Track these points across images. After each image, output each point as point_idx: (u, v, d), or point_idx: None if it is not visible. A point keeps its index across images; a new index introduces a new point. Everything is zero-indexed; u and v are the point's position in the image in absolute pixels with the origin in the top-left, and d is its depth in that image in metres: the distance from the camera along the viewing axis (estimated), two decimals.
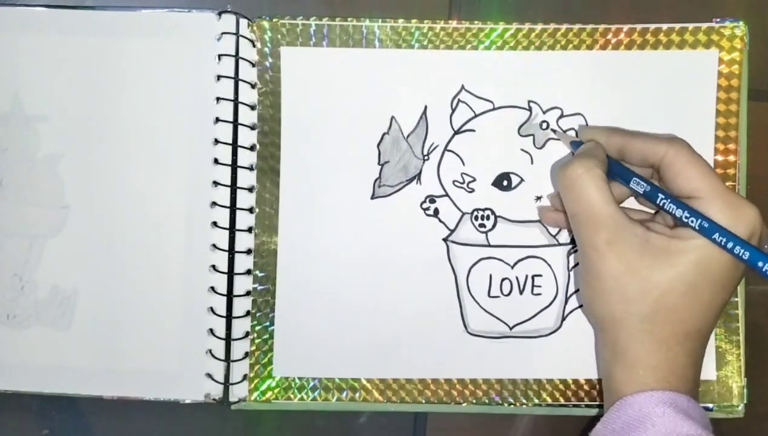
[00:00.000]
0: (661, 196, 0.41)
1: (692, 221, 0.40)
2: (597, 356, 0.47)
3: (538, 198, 0.48)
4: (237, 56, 0.48)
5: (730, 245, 0.39)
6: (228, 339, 0.48)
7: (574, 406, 0.48)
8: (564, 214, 0.44)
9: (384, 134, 0.48)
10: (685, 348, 0.40)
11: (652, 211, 0.45)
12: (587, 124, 0.48)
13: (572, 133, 0.48)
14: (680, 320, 0.40)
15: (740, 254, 0.39)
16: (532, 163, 0.48)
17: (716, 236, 0.39)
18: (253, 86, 0.48)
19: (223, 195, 0.48)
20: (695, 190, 0.40)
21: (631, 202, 0.46)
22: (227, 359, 0.48)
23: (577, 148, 0.45)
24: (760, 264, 0.39)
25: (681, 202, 0.41)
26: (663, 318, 0.40)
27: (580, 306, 0.48)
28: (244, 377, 0.48)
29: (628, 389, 0.40)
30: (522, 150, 0.48)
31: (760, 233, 0.40)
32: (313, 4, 0.49)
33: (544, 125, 0.48)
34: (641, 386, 0.40)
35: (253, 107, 0.48)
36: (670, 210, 0.41)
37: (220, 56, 0.48)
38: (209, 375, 0.48)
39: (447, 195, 0.48)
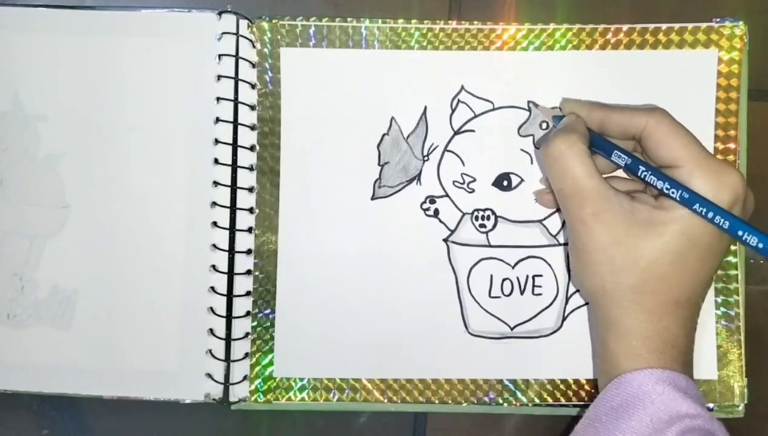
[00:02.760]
0: (642, 168, 0.41)
1: (673, 193, 0.40)
2: (590, 331, 0.47)
3: None
4: (237, 56, 0.48)
5: (710, 214, 0.39)
6: (228, 339, 0.48)
7: (575, 406, 0.48)
8: None
9: (384, 135, 0.48)
10: (676, 317, 0.41)
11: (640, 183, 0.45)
12: (564, 96, 0.47)
13: (557, 110, 0.48)
14: (669, 289, 0.40)
15: (721, 224, 0.39)
16: (532, 163, 0.48)
17: (696, 206, 0.39)
18: (253, 87, 0.48)
19: (223, 195, 0.48)
20: (676, 160, 0.40)
21: (620, 174, 0.46)
22: (227, 359, 0.48)
23: (558, 121, 0.45)
24: (740, 233, 0.39)
25: (662, 173, 0.41)
26: (652, 288, 0.40)
27: (581, 306, 0.48)
28: (244, 377, 0.48)
29: (624, 360, 0.40)
30: (522, 150, 0.48)
31: (744, 198, 0.40)
32: (313, 5, 0.49)
33: (544, 125, 0.48)
34: (636, 358, 0.40)
35: (253, 108, 0.48)
36: (652, 182, 0.41)
37: (220, 56, 0.48)
38: (209, 375, 0.48)
39: (447, 195, 0.48)
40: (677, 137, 0.41)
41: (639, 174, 0.41)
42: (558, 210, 0.48)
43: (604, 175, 0.42)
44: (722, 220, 0.39)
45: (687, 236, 0.40)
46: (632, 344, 0.40)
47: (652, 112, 0.42)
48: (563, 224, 0.48)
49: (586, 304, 0.48)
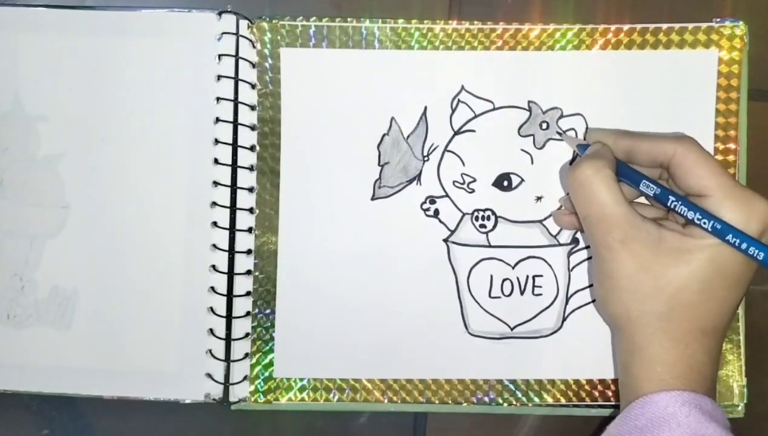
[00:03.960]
0: (672, 198, 0.41)
1: (704, 223, 0.40)
2: (614, 355, 0.46)
3: (539, 198, 0.48)
4: (237, 56, 0.48)
5: (743, 245, 0.39)
6: (228, 339, 0.48)
7: (575, 406, 0.48)
8: (577, 216, 0.44)
9: (384, 135, 0.48)
10: (702, 345, 0.40)
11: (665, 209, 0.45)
12: (590, 126, 0.48)
13: (572, 133, 0.48)
14: (696, 317, 0.40)
15: (755, 255, 0.39)
16: (532, 163, 0.48)
17: (729, 237, 0.39)
18: (253, 87, 0.48)
19: (223, 195, 0.48)
20: (705, 189, 0.40)
21: (642, 200, 0.46)
22: (227, 359, 0.48)
23: (584, 151, 0.45)
24: None
25: (692, 203, 0.40)
26: (679, 315, 0.40)
27: (581, 306, 0.48)
28: (244, 377, 0.48)
29: (648, 386, 0.40)
30: (522, 150, 0.48)
31: None
32: (313, 5, 0.49)
33: (544, 125, 0.48)
34: (660, 384, 0.40)
35: (253, 108, 0.48)
36: (682, 212, 0.41)
37: (220, 56, 0.48)
38: (209, 375, 0.48)
39: (447, 196, 0.48)
40: (706, 166, 0.40)
41: (669, 204, 0.41)
42: (577, 231, 0.48)
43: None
44: (756, 251, 0.39)
45: (715, 264, 0.40)
46: (657, 370, 0.40)
47: (680, 140, 0.42)
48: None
49: (587, 304, 0.48)
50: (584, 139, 0.47)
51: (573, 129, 0.48)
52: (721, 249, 0.39)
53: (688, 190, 0.41)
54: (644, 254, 0.40)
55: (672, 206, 0.41)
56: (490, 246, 0.48)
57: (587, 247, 0.48)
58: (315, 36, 0.48)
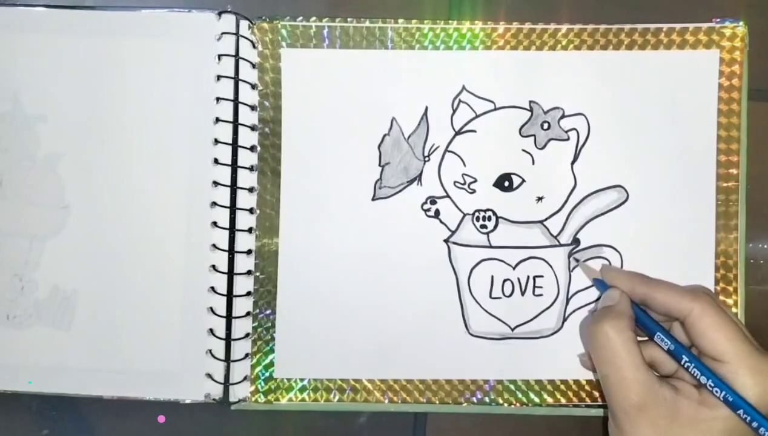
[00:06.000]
0: (685, 358, 0.41)
1: (717, 392, 0.39)
2: None
3: (540, 199, 0.48)
4: (237, 56, 0.48)
5: (755, 424, 0.39)
6: (228, 339, 0.48)
7: (575, 406, 0.48)
8: None
9: (385, 135, 0.48)
10: None
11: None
12: (604, 264, 0.47)
13: (592, 263, 0.47)
14: None
15: (763, 434, 0.39)
16: (533, 163, 0.48)
17: (741, 412, 0.39)
18: (253, 87, 0.48)
19: (224, 195, 0.48)
20: (720, 354, 0.40)
21: None
22: (227, 359, 0.48)
23: (599, 286, 0.45)
24: None
25: (706, 368, 0.40)
26: None
27: (582, 307, 0.48)
28: (245, 377, 0.48)
29: None
30: (523, 150, 0.48)
31: None
32: (313, 5, 0.49)
33: (546, 125, 0.48)
34: None
35: (253, 108, 0.48)
36: (695, 375, 0.41)
37: (220, 56, 0.48)
38: (209, 375, 0.48)
39: (448, 196, 0.48)
40: (722, 331, 0.40)
41: (682, 363, 0.41)
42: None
43: (640, 339, 0.42)
44: (766, 431, 0.38)
45: (730, 434, 0.40)
46: None
47: (696, 298, 0.41)
48: (563, 225, 0.48)
49: (587, 305, 0.48)
50: (600, 273, 0.47)
51: (575, 129, 0.48)
52: (736, 421, 0.39)
53: (704, 351, 0.41)
54: (661, 422, 0.40)
55: (685, 367, 0.41)
56: (490, 246, 0.48)
57: (589, 247, 0.48)
58: (315, 36, 0.48)
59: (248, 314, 0.48)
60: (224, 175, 0.48)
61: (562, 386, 0.48)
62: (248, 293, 0.48)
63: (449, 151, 0.48)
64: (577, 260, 0.48)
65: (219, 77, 0.48)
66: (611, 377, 0.41)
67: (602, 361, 0.42)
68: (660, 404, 0.40)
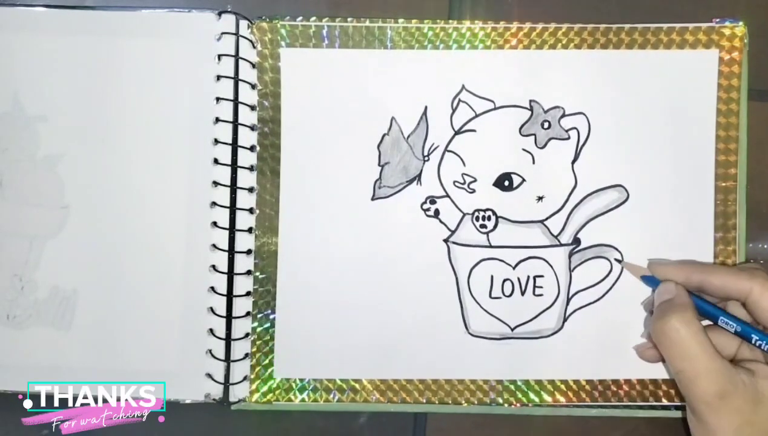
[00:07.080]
0: (755, 336, 0.41)
1: None
2: None
3: (540, 198, 0.48)
4: (237, 56, 0.48)
5: None
6: (228, 339, 0.48)
7: (576, 406, 0.48)
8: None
9: (384, 135, 0.48)
10: None
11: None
12: (650, 258, 0.47)
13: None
14: None
15: None
16: (533, 163, 0.48)
17: None
18: (253, 87, 0.48)
19: (223, 195, 0.48)
20: None
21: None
22: (227, 359, 0.48)
23: (650, 282, 0.45)
24: None
25: None
26: None
27: (582, 307, 0.48)
28: (245, 377, 0.48)
29: None
30: (523, 150, 0.48)
31: None
32: (313, 5, 0.49)
33: (546, 125, 0.48)
34: None
35: (253, 108, 0.48)
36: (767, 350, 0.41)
37: (219, 56, 0.48)
38: (209, 375, 0.48)
39: (448, 196, 0.48)
40: None
41: (753, 342, 0.41)
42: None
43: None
44: None
45: None
46: None
47: (753, 276, 0.41)
48: (564, 225, 0.48)
49: (588, 305, 0.48)
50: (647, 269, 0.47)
51: (575, 128, 0.48)
52: None
53: None
54: (745, 408, 0.40)
55: (757, 345, 0.41)
56: (490, 246, 0.48)
57: (589, 247, 0.48)
58: (315, 36, 0.48)
59: (248, 314, 0.48)
60: (224, 175, 0.48)
61: (562, 386, 0.48)
62: (248, 293, 0.48)
63: (449, 151, 0.48)
64: (619, 261, 0.47)
65: (219, 77, 0.48)
66: (687, 371, 0.41)
67: (675, 357, 0.41)
68: (740, 389, 0.40)
